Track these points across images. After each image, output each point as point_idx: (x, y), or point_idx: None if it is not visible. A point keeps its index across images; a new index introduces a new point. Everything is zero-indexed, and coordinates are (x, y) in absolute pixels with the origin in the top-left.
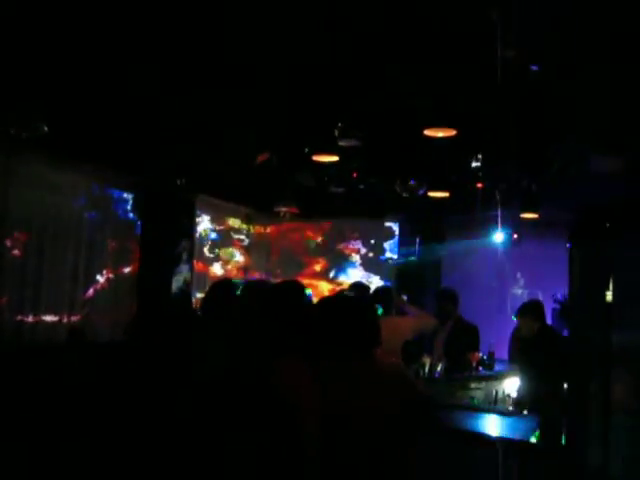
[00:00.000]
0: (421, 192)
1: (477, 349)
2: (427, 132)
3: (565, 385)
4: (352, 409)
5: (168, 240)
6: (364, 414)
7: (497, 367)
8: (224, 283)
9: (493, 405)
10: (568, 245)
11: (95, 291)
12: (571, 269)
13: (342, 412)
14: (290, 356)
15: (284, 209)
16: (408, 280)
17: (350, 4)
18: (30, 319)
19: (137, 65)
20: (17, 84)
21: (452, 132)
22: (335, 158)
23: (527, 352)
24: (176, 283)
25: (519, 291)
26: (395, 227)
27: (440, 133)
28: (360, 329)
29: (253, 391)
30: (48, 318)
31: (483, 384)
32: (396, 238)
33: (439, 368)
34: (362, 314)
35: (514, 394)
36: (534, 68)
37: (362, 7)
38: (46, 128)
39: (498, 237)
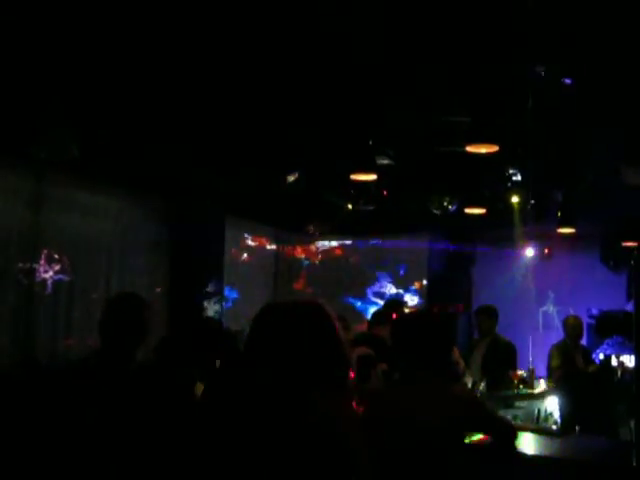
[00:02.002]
0: (453, 208)
1: (515, 366)
2: (469, 148)
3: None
4: (405, 438)
5: (198, 261)
6: (418, 444)
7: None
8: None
9: (536, 423)
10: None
11: None
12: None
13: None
14: (334, 389)
15: (313, 228)
16: (440, 297)
17: (386, 18)
18: (63, 342)
19: (166, 89)
20: (48, 108)
21: (494, 148)
22: (373, 177)
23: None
24: (207, 305)
25: (550, 307)
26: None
27: (483, 149)
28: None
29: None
30: (81, 341)
31: (525, 403)
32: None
33: (481, 387)
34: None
35: (556, 413)
36: (567, 82)
37: (398, 21)
38: (77, 152)
39: (530, 252)
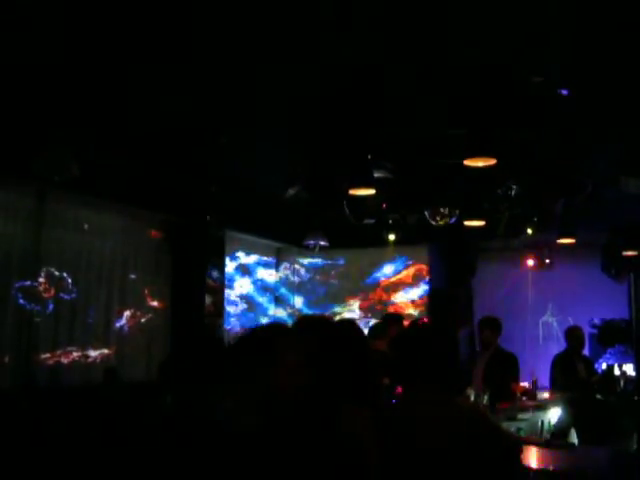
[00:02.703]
0: (452, 221)
1: (517, 378)
2: (467, 162)
3: None
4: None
5: (199, 276)
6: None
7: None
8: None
9: (540, 435)
10: None
11: (128, 329)
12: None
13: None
14: (351, 402)
15: (314, 242)
16: (440, 309)
17: (382, 31)
18: (64, 359)
19: (164, 106)
20: (49, 127)
21: (492, 161)
22: (372, 191)
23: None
24: (208, 320)
25: (551, 318)
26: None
27: (480, 163)
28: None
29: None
30: (82, 358)
31: (528, 414)
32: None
33: (484, 400)
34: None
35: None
36: (564, 93)
37: (393, 34)
38: (78, 171)
39: (530, 262)
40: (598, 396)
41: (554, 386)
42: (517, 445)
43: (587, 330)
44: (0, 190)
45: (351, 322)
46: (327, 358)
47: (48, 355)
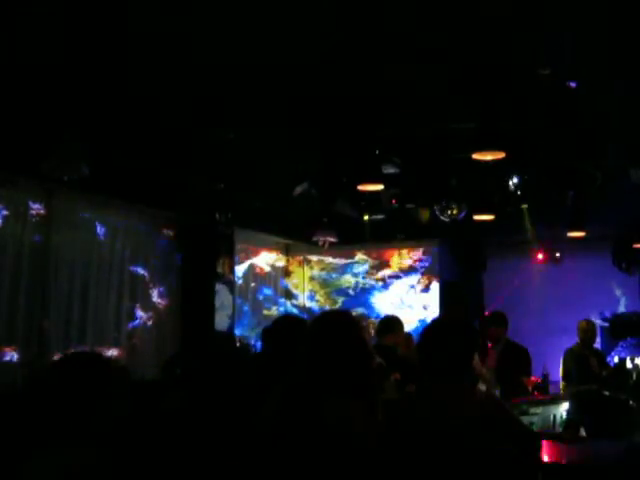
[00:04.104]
0: (461, 215)
1: (529, 372)
2: (475, 156)
3: None
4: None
5: (208, 274)
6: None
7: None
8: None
9: (552, 429)
10: None
11: (139, 328)
12: None
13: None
14: (348, 395)
15: (323, 238)
16: (450, 303)
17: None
18: None
19: (171, 102)
20: (58, 126)
21: (500, 155)
22: (380, 187)
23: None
24: (218, 318)
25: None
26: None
27: (488, 156)
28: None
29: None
30: None
31: (540, 409)
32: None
33: (496, 394)
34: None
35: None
36: (572, 85)
37: (402, 30)
38: (87, 170)
39: (540, 256)
40: (606, 392)
41: (567, 380)
42: (535, 436)
43: (598, 324)
44: (10, 190)
45: (346, 314)
46: (319, 352)
47: (59, 354)
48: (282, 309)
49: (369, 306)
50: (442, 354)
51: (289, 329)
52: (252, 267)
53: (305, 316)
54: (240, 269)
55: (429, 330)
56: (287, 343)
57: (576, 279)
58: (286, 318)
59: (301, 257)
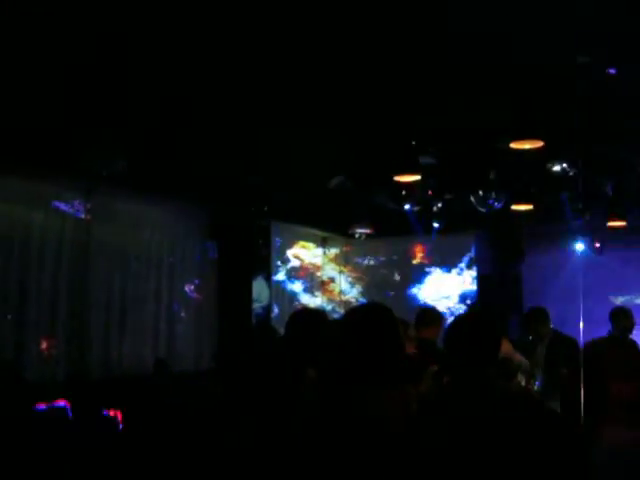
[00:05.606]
0: (499, 205)
1: (578, 363)
2: (514, 145)
3: None
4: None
5: (245, 267)
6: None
7: None
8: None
9: None
10: None
11: (177, 321)
12: None
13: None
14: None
15: (359, 230)
16: (489, 296)
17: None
18: (116, 351)
19: (211, 100)
20: (97, 122)
21: (539, 143)
22: (417, 177)
23: None
24: (256, 310)
25: (600, 302)
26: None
27: (527, 145)
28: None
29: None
30: (133, 350)
31: None
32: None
33: (535, 387)
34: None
35: None
36: (612, 72)
37: (438, 21)
38: (126, 165)
39: (580, 247)
40: None
41: None
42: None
43: (638, 314)
44: (51, 185)
45: (381, 306)
46: (355, 342)
47: (100, 348)
48: (318, 301)
49: (407, 298)
50: (467, 349)
51: (307, 319)
52: (288, 260)
53: (340, 309)
54: (277, 262)
55: (451, 328)
56: (306, 332)
57: (616, 269)
58: (306, 309)
59: (338, 249)
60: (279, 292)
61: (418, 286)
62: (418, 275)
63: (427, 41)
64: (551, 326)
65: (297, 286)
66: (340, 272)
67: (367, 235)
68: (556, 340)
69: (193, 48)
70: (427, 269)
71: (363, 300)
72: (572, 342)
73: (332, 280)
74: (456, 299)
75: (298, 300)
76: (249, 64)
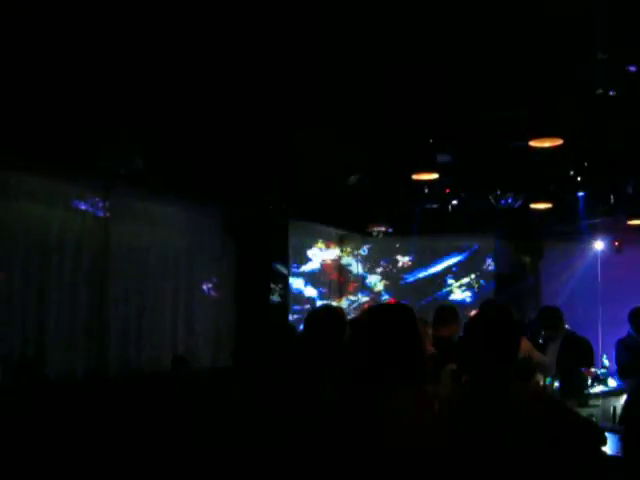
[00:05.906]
0: (517, 204)
1: (591, 363)
2: (533, 143)
3: None
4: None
5: (263, 265)
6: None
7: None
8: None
9: (613, 421)
10: None
11: (195, 318)
12: None
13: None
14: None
15: (377, 229)
16: (506, 294)
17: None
18: (134, 349)
19: (229, 101)
20: (115, 121)
21: (558, 141)
22: (435, 176)
23: None
24: (274, 308)
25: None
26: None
27: (546, 143)
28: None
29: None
30: (151, 347)
31: (600, 401)
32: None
33: (554, 387)
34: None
35: None
36: (632, 69)
37: (458, 20)
38: (143, 164)
39: (599, 245)
40: None
41: (623, 373)
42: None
43: None
44: (70, 184)
45: (403, 306)
46: (375, 342)
47: (119, 345)
48: (336, 300)
49: (424, 298)
50: (486, 349)
51: (326, 317)
52: (306, 258)
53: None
54: (295, 260)
55: (470, 326)
56: (325, 330)
57: (636, 269)
58: (324, 307)
59: (355, 248)
60: (297, 289)
61: (435, 285)
62: (434, 273)
63: (444, 40)
64: (566, 326)
65: (315, 284)
66: (358, 271)
67: (385, 233)
68: (570, 340)
69: (212, 47)
70: (444, 267)
71: (387, 296)
72: (586, 343)
73: (350, 279)
74: (473, 298)
75: (315, 299)
76: (268, 63)
